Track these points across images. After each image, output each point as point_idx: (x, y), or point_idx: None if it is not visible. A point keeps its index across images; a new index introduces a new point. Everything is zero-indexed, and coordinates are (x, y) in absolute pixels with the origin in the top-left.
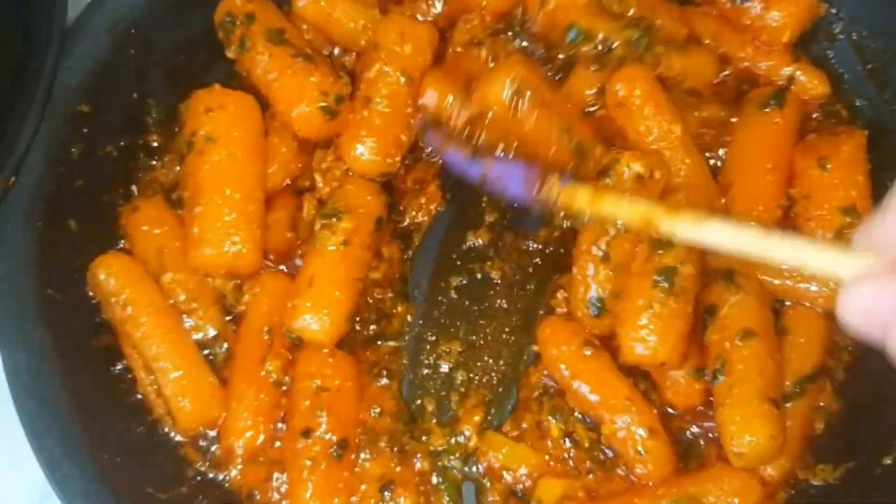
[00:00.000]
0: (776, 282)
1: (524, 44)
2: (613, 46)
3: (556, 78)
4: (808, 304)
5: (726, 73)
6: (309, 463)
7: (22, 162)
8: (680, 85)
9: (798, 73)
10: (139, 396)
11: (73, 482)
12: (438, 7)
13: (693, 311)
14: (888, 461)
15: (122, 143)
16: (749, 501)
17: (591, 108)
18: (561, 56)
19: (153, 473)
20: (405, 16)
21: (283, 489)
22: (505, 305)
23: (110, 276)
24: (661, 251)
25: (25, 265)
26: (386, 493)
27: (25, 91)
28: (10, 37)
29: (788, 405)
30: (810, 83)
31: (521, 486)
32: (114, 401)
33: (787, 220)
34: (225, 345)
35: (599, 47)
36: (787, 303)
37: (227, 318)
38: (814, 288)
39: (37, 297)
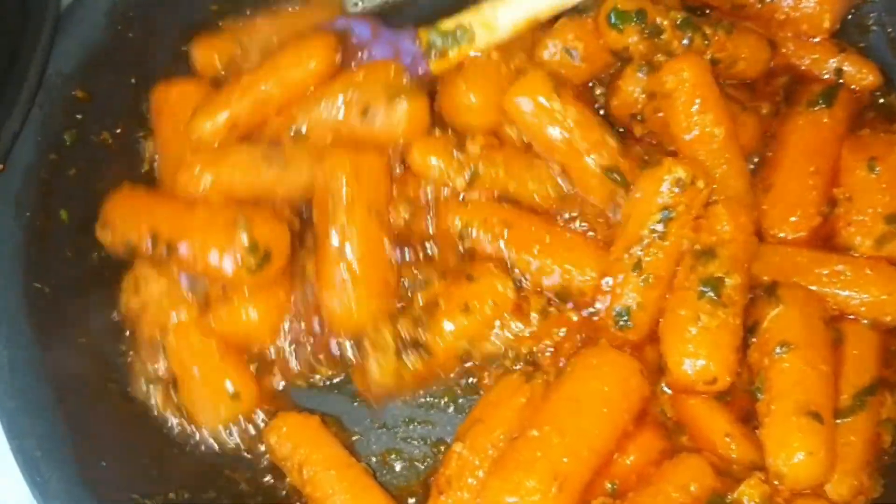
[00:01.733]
0: (824, 290)
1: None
2: (661, 26)
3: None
4: (851, 314)
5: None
6: None
7: (11, 148)
8: (733, 74)
9: (846, 64)
10: (128, 393)
11: (52, 485)
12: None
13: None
14: None
15: (118, 131)
16: None
17: (639, 117)
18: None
19: (138, 478)
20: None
21: None
22: None
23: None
24: (704, 261)
25: (13, 256)
26: None
27: (16, 74)
28: (3, 17)
29: (848, 419)
30: (860, 73)
31: None
32: (100, 401)
33: (827, 224)
34: None
35: (646, 33)
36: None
37: None
38: (857, 298)
39: (23, 291)
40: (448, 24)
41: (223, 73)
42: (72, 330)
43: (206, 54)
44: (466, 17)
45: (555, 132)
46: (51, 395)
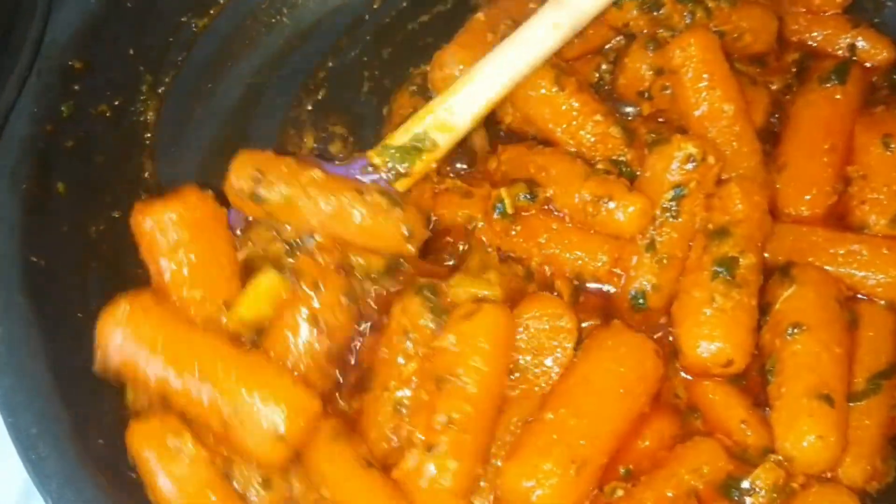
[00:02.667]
0: (839, 270)
1: None
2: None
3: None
4: (867, 294)
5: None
6: None
7: (7, 119)
8: (740, 47)
9: (859, 40)
10: None
11: (48, 463)
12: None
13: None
14: None
15: (116, 103)
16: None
17: (647, 94)
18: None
19: None
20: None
21: None
22: None
23: None
24: (718, 241)
25: (9, 229)
26: None
27: (12, 43)
28: None
29: (862, 403)
30: (874, 49)
31: None
32: (97, 377)
33: (840, 202)
34: None
35: (646, 7)
36: (859, 295)
37: None
38: (874, 278)
39: (20, 264)
40: (400, 138)
41: None
42: (69, 305)
43: None
44: (418, 126)
45: (557, 122)
46: (47, 372)
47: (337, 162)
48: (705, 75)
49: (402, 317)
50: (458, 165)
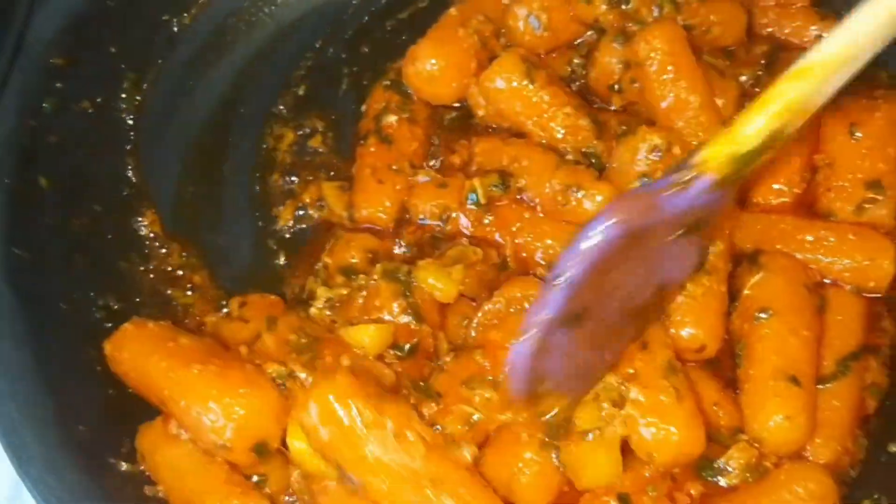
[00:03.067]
0: (807, 257)
1: None
2: None
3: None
4: (834, 280)
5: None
6: None
7: None
8: (709, 40)
9: (825, 31)
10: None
11: (29, 448)
12: None
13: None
14: None
15: (98, 100)
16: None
17: (616, 88)
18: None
19: (116, 443)
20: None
21: None
22: None
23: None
24: None
25: None
26: None
27: None
28: None
29: (831, 385)
30: None
31: None
32: (80, 365)
33: (808, 191)
34: None
35: (614, 2)
36: (827, 280)
37: None
38: (840, 264)
39: (4, 256)
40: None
41: None
42: (52, 296)
43: None
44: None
45: (528, 115)
46: (30, 360)
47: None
48: (670, 67)
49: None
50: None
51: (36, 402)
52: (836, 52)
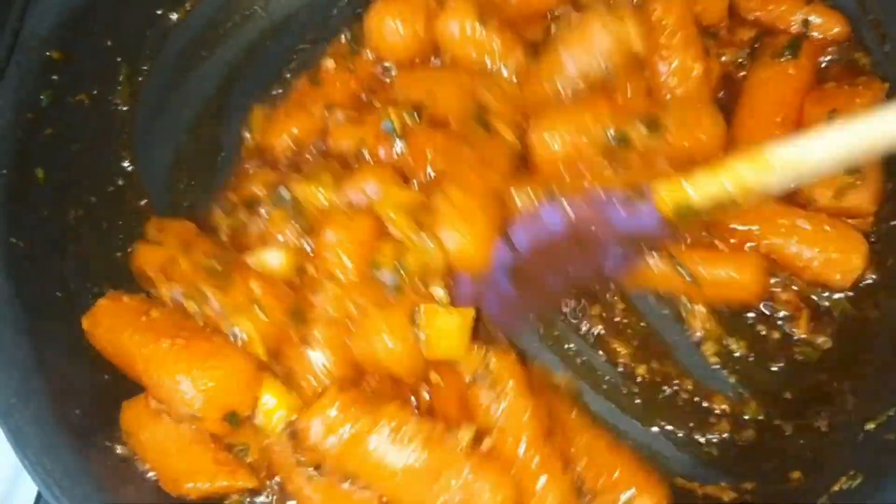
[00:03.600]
0: (777, 241)
1: None
2: None
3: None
4: (801, 268)
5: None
6: None
7: None
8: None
9: (812, 16)
10: None
11: (26, 431)
12: None
13: None
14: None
15: (94, 93)
16: None
17: None
18: None
19: (112, 426)
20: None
21: None
22: None
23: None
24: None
25: None
26: None
27: None
28: None
29: None
30: (827, 24)
31: None
32: (76, 352)
33: None
34: None
35: None
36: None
37: None
38: (811, 252)
39: (1, 246)
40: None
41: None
42: (48, 285)
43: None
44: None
45: (481, 59)
46: (27, 347)
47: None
48: (682, 32)
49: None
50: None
51: (32, 387)
52: (803, 159)
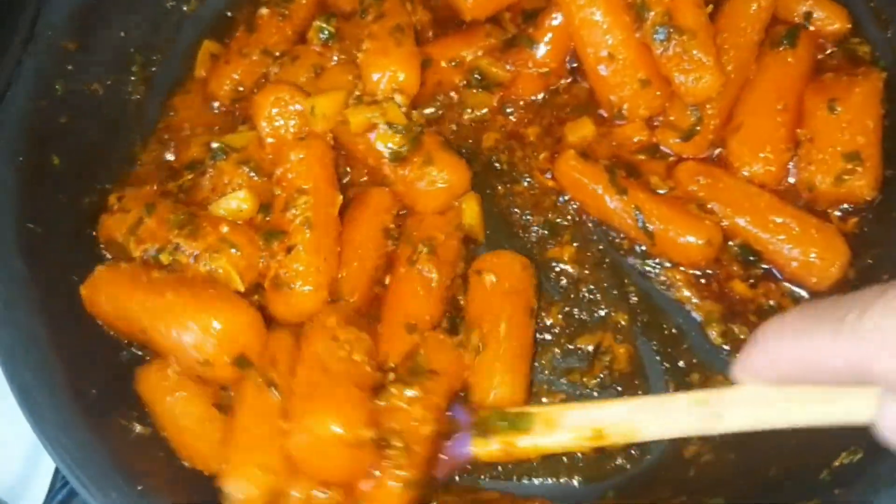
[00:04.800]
0: (764, 235)
1: None
2: None
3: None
4: (781, 265)
5: None
6: None
7: (3, 96)
8: None
9: (815, 9)
10: None
11: (43, 409)
12: None
13: None
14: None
15: (108, 82)
16: None
17: None
18: None
19: (128, 405)
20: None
21: None
22: None
23: None
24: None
25: (6, 197)
26: None
27: (7, 25)
28: None
29: None
30: (829, 19)
31: None
32: (92, 332)
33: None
34: None
35: None
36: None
37: None
38: (795, 251)
39: (17, 230)
40: (514, 410)
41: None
42: (63, 268)
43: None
44: (533, 409)
45: None
46: (43, 328)
47: None
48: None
49: None
50: None
51: (49, 367)
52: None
